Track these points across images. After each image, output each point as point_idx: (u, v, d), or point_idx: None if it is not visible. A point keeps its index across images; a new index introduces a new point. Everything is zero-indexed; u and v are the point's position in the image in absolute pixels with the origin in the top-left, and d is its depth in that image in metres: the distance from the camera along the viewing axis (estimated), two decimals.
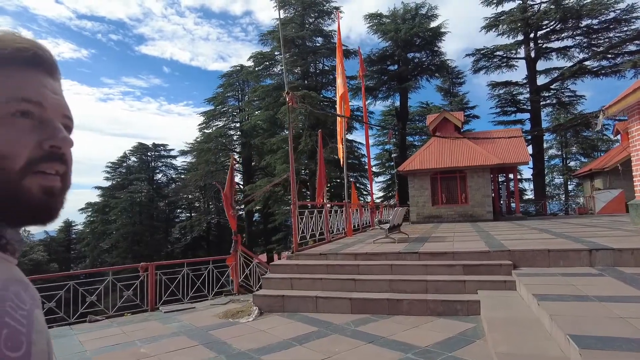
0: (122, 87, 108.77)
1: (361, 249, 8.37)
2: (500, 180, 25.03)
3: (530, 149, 32.09)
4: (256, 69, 32.56)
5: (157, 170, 56.13)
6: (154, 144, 55.52)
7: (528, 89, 32.21)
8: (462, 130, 22.25)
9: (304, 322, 6.20)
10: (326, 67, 32.89)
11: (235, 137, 46.80)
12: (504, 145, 20.58)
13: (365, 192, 40.50)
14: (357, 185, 41.94)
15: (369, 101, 36.61)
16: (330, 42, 31.52)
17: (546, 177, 46.79)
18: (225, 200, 9.26)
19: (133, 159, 56.10)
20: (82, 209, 51.76)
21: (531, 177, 32.70)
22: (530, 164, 32.35)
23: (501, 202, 23.30)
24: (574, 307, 4.18)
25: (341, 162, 13.06)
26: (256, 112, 33.53)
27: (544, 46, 31.45)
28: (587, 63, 30.69)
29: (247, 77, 34.58)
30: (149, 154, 55.78)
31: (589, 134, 38.98)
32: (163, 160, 56.19)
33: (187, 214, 54.32)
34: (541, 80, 32.39)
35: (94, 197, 52.64)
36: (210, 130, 44.19)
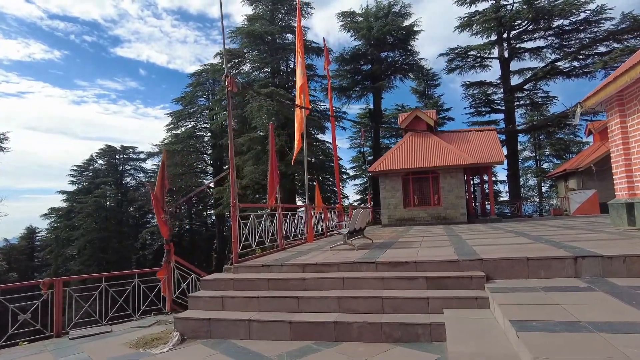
0: (97, 89, 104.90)
1: (312, 259, 7.13)
2: (476, 182, 24.36)
3: (504, 150, 31.77)
4: (222, 66, 31.01)
5: (126, 174, 53.72)
6: (122, 147, 53.06)
7: (502, 89, 31.89)
8: (435, 130, 21.41)
9: (229, 354, 4.91)
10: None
11: (205, 139, 45.09)
12: (478, 145, 19.82)
13: (333, 198, 39.45)
14: (333, 188, 40.89)
15: (342, 101, 35.67)
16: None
17: (521, 179, 46.98)
18: (155, 203, 7.87)
19: (100, 162, 53.50)
20: (44, 215, 48.95)
21: (506, 178, 32.35)
22: (505, 165, 32.06)
23: (476, 204, 22.54)
24: (566, 342, 3.05)
25: (292, 160, 11.84)
26: (224, 112, 31.96)
27: (517, 46, 31.21)
28: (559, 64, 30.60)
29: (215, 75, 33.02)
30: (117, 156, 53.31)
31: (562, 136, 39.13)
32: (132, 163, 53.78)
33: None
34: (515, 80, 32.19)
35: (59, 202, 49.84)
36: (178, 131, 42.32)
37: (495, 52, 31.82)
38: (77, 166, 52.84)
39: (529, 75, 31.56)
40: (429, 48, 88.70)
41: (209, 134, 43.49)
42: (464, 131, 21.92)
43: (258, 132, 27.08)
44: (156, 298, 7.92)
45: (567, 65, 30.30)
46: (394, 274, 5.92)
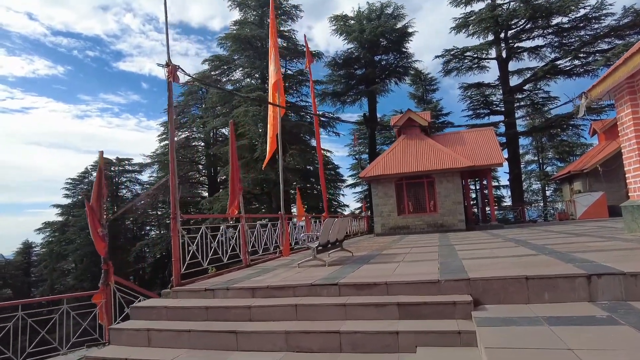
0: (100, 103, 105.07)
1: (269, 280, 5.92)
2: (477, 187, 23.10)
3: (505, 153, 30.53)
4: (211, 73, 30.13)
5: (122, 186, 52.80)
6: (117, 159, 52.18)
7: (501, 90, 30.75)
8: (430, 132, 20.23)
9: None
10: (289, 71, 30.75)
11: (200, 148, 44.20)
12: (476, 147, 18.62)
13: (335, 203, 38.17)
14: (331, 196, 39.59)
15: (337, 107, 34.61)
16: (292, 43, 29.45)
17: (524, 183, 45.61)
18: (91, 216, 6.71)
19: (95, 174, 52.59)
20: (39, 229, 47.98)
21: (508, 182, 31.05)
22: (507, 169, 30.78)
23: (477, 209, 21.27)
24: None
25: (264, 165, 10.74)
26: (215, 120, 30.97)
27: (515, 46, 30.14)
28: (559, 63, 29.45)
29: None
30: (112, 168, 52.44)
31: (565, 138, 37.85)
32: (127, 175, 52.90)
33: (157, 231, 51.10)
34: (514, 81, 31.04)
35: (54, 216, 48.92)
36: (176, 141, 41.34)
37: (493, 53, 30.75)
38: (71, 179, 51.95)
39: (528, 75, 30.41)
40: (427, 57, 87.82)
41: (202, 144, 42.55)
42: (460, 131, 20.72)
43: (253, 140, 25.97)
44: (92, 327, 6.71)
45: (567, 63, 29.14)
46: (360, 299, 4.70)
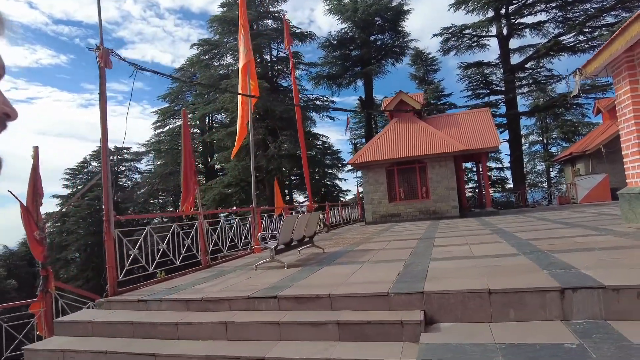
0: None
1: (210, 288, 5.30)
2: (480, 170, 22.24)
3: (506, 135, 29.54)
4: (201, 57, 29.20)
5: (121, 175, 52.44)
6: (115, 147, 51.57)
7: (502, 69, 29.54)
8: (423, 114, 19.33)
9: None
10: (282, 54, 29.69)
11: (195, 135, 43.53)
12: (470, 129, 17.74)
13: (336, 192, 37.44)
14: (332, 184, 38.83)
15: (333, 90, 33.57)
16: (279, 23, 28.26)
17: (527, 165, 44.48)
18: (26, 217, 6.10)
19: (94, 164, 52.33)
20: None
21: (509, 164, 30.12)
22: (508, 150, 29.82)
23: (471, 194, 20.50)
24: None
25: (232, 154, 10.06)
26: (206, 105, 30.15)
27: (516, 22, 28.79)
28: (562, 39, 28.11)
29: (193, 67, 31.24)
30: (111, 157, 51.97)
31: (570, 117, 36.60)
32: (126, 164, 52.46)
33: (159, 219, 51.01)
34: (515, 59, 29.79)
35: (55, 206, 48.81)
36: (165, 129, 40.77)
37: (494, 30, 29.44)
38: (70, 169, 51.59)
39: (530, 52, 29.13)
40: (430, 38, 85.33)
41: (197, 131, 41.82)
42: (455, 113, 19.79)
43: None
44: (29, 338, 6.17)
45: (571, 39, 27.82)
46: (299, 315, 4.06)
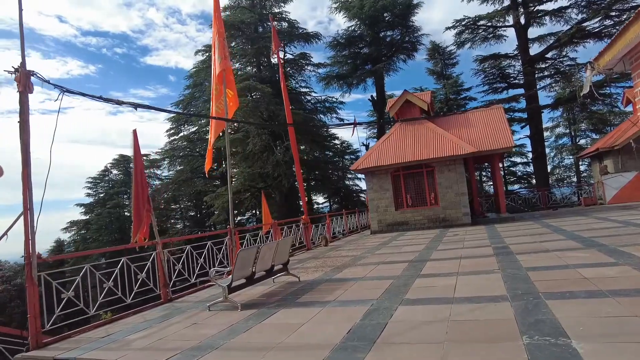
0: (131, 99, 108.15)
1: (134, 343, 4.57)
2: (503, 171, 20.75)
3: (527, 130, 27.83)
4: (206, 63, 28.89)
5: None
6: None
7: (520, 61, 27.78)
8: (431, 115, 18.15)
9: None
10: (290, 56, 28.96)
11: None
12: (482, 129, 16.45)
13: (355, 193, 36.43)
14: (353, 184, 37.79)
15: (343, 90, 32.55)
16: (290, 25, 27.56)
17: (554, 159, 42.09)
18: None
19: (115, 171, 53.28)
20: (65, 228, 49.15)
21: (531, 161, 28.35)
22: (529, 147, 28.09)
23: (491, 198, 19.16)
24: None
25: (206, 171, 9.27)
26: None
27: (534, 9, 26.94)
28: (586, 25, 26.10)
29: (198, 73, 31.01)
30: (131, 165, 52.73)
31: (600, 107, 34.22)
32: (145, 171, 53.10)
33: (182, 224, 51.56)
34: (535, 49, 27.92)
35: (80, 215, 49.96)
36: (178, 137, 40.90)
37: (510, 20, 27.69)
38: (92, 178, 52.70)
39: (551, 41, 27.20)
40: (449, 31, 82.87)
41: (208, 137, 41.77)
42: (465, 112, 18.49)
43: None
44: None
45: (596, 24, 25.77)
46: None
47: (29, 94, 5.10)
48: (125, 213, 49.94)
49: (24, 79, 5.03)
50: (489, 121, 16.67)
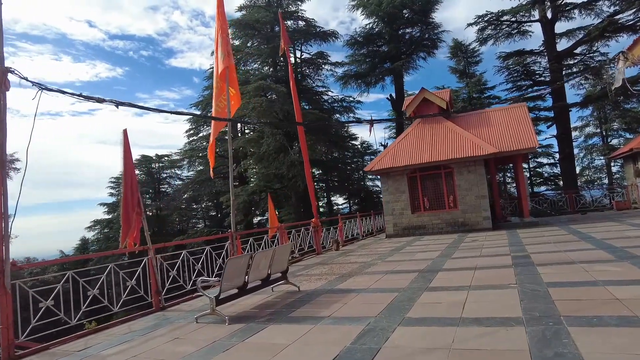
0: (157, 100, 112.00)
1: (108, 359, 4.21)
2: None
3: (554, 130, 26.53)
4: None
5: (164, 182, 53.99)
6: (157, 155, 53.25)
7: (546, 57, 26.48)
8: (450, 114, 17.35)
9: None
10: (306, 54, 28.55)
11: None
12: (504, 128, 15.58)
13: (376, 194, 35.72)
14: (373, 184, 37.09)
15: (362, 90, 31.91)
16: (301, 24, 27.15)
17: (584, 160, 40.23)
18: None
19: (136, 172, 54.09)
20: (88, 227, 50.32)
21: (558, 162, 27.00)
22: (556, 148, 26.79)
23: (502, 202, 18.20)
24: None
25: (211, 173, 8.92)
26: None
27: (562, 3, 25.61)
28: (619, 17, 24.60)
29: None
30: (153, 165, 53.64)
31: (634, 105, 32.31)
32: (167, 171, 53.91)
33: (202, 224, 52.11)
34: (562, 45, 26.57)
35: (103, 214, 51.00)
36: (197, 137, 41.18)
37: (536, 14, 26.45)
38: (114, 178, 53.71)
39: (580, 36, 25.81)
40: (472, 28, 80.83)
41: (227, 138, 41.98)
42: (486, 110, 17.58)
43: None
44: None
45: (630, 17, 24.24)
46: None
47: (6, 92, 4.83)
48: (149, 213, 50.75)
49: (1, 76, 4.76)
50: (512, 120, 15.78)
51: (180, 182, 54.08)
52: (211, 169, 9.59)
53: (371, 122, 13.66)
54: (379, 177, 18.69)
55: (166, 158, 54.17)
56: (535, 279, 5.59)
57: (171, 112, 9.70)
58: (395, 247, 12.10)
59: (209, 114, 39.64)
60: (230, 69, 9.20)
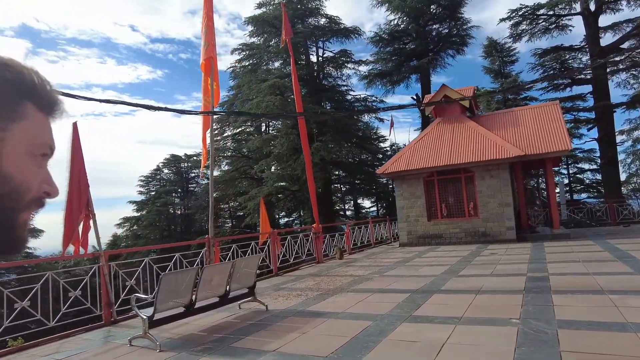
0: (193, 102, 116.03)
1: None
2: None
3: (595, 132, 24.29)
4: (244, 63, 28.43)
5: (192, 182, 54.75)
6: (185, 155, 54.03)
7: (588, 54, 24.29)
8: (475, 113, 15.92)
9: None
10: (329, 53, 27.65)
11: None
12: (533, 130, 14.03)
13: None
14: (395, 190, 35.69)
15: (387, 89, 30.62)
16: (323, 20, 26.28)
17: (631, 166, 37.07)
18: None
19: (166, 170, 55.15)
20: (118, 224, 51.58)
21: (599, 168, 24.68)
22: (598, 153, 24.52)
23: (530, 212, 16.52)
24: None
25: (199, 170, 8.19)
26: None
27: None
28: None
29: (234, 73, 30.65)
30: (181, 165, 54.45)
31: None
32: (195, 170, 54.63)
33: (230, 223, 52.43)
34: (607, 40, 24.26)
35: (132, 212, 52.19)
36: (221, 137, 41.26)
37: (577, 7, 24.31)
38: (144, 176, 54.84)
39: (628, 29, 23.46)
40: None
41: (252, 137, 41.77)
42: (514, 109, 16.01)
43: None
44: None
45: None
46: None
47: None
48: (177, 212, 51.47)
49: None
50: (542, 120, 14.20)
51: (207, 182, 54.25)
52: (202, 167, 8.95)
53: (391, 124, 12.58)
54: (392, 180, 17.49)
55: (194, 158, 54.78)
56: (545, 314, 4.41)
57: (174, 111, 9.07)
58: (403, 258, 10.96)
59: (234, 111, 39.46)
60: (212, 61, 8.44)
